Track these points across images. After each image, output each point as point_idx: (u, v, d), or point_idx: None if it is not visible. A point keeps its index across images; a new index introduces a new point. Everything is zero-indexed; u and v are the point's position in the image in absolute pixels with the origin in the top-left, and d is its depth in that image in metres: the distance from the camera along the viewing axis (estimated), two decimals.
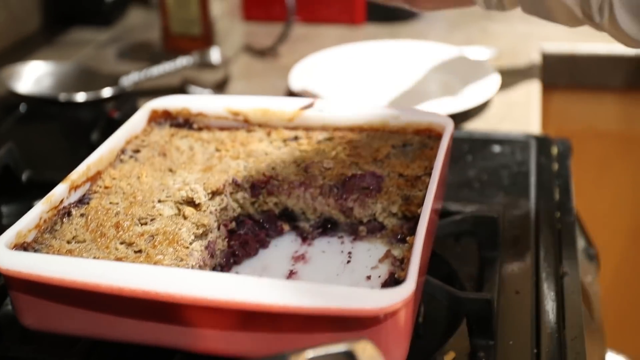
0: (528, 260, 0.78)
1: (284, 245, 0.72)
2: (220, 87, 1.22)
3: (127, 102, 1.07)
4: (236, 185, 0.72)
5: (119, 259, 0.61)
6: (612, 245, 1.36)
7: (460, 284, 0.74)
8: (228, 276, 0.57)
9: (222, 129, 0.80)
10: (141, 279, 0.54)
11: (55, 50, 1.39)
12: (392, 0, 0.98)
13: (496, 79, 1.15)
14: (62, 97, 1.14)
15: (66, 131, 1.10)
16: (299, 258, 0.70)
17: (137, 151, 0.76)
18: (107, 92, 1.15)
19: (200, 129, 0.81)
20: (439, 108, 1.08)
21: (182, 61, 1.19)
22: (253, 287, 0.53)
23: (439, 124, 0.76)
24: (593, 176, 1.39)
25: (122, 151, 0.76)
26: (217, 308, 0.53)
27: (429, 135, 0.77)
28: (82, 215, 0.66)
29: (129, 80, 1.18)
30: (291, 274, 0.68)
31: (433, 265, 0.71)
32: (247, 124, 0.80)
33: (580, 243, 1.01)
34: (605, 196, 1.41)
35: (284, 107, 0.80)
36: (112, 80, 1.18)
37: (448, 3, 0.95)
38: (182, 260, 0.62)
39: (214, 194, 0.70)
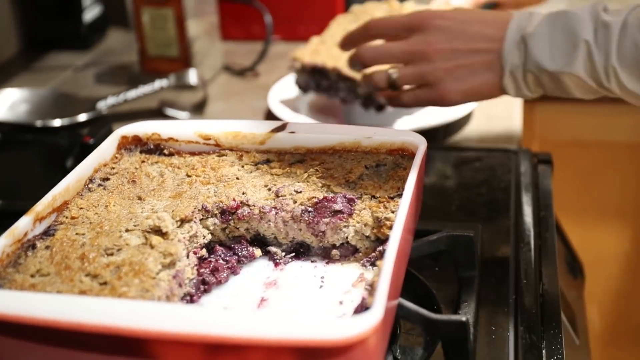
0: (507, 279, 0.77)
1: (256, 271, 0.70)
2: (198, 108, 1.20)
3: (103, 127, 1.06)
4: (206, 212, 0.71)
5: (83, 292, 0.60)
6: (599, 259, 1.35)
7: (438, 305, 0.72)
8: (190, 308, 0.55)
9: (193, 153, 0.79)
10: (101, 313, 0.53)
11: (33, 75, 1.38)
12: (419, 105, 0.96)
13: None
14: (38, 123, 1.13)
15: (42, 158, 1.09)
16: (271, 284, 0.68)
17: (106, 179, 0.75)
18: (84, 117, 1.14)
19: (171, 154, 0.80)
20: (419, 123, 1.07)
21: (160, 83, 1.18)
22: (216, 319, 0.52)
23: (411, 143, 0.75)
24: (578, 188, 1.38)
25: (91, 180, 0.74)
26: (180, 342, 0.52)
27: (402, 155, 0.75)
28: (47, 247, 0.65)
29: (106, 104, 1.16)
30: (262, 301, 0.66)
31: (409, 286, 0.70)
32: (218, 147, 0.79)
33: (565, 257, 1.00)
34: (591, 208, 1.40)
35: (255, 129, 0.79)
36: (90, 105, 1.17)
37: (478, 97, 0.92)
38: (147, 291, 0.60)
39: (183, 221, 0.68)
